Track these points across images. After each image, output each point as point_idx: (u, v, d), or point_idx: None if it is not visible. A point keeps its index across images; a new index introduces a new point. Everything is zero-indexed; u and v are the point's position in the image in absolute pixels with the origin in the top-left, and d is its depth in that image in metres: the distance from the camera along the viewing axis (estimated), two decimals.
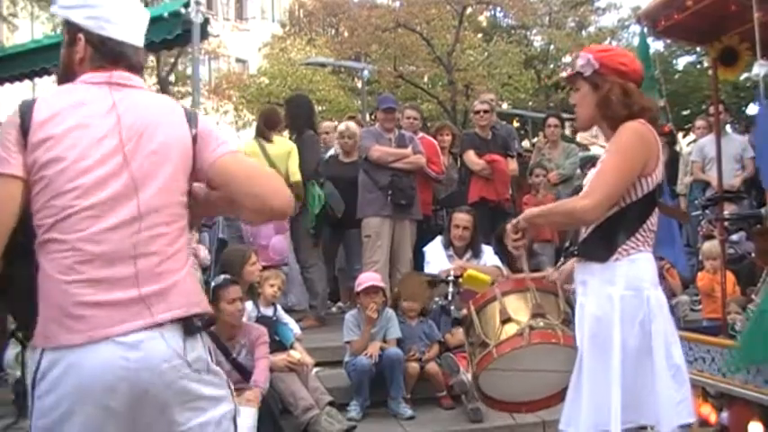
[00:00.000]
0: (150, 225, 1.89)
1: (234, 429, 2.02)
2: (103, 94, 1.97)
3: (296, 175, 6.19)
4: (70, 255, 1.84)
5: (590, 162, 6.31)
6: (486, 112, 7.10)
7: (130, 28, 2.08)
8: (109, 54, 2.02)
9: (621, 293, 2.59)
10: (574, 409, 2.64)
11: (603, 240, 2.65)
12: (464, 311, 2.89)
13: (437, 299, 3.22)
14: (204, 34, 8.39)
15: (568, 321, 2.74)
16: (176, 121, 2.00)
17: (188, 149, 1.99)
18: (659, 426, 2.58)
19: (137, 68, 2.08)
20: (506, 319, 2.70)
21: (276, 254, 6.12)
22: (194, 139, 1.99)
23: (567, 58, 23.59)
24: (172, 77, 18.74)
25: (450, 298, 3.06)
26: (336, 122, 7.63)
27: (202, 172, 2.01)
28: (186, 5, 7.43)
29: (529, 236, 2.83)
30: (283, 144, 6.42)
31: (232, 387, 2.06)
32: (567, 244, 2.96)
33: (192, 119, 2.02)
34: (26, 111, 1.91)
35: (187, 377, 1.88)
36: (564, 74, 3.40)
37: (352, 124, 7.16)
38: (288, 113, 6.93)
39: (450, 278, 3.13)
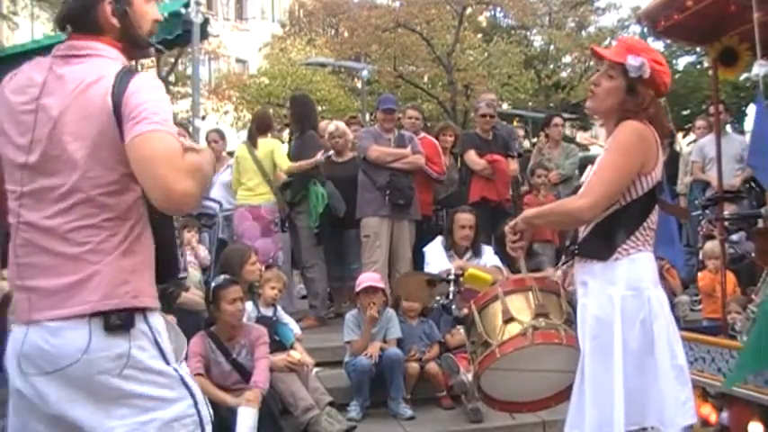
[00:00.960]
0: (60, 222, 1.84)
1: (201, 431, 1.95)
2: (43, 68, 1.90)
3: (283, 166, 6.41)
4: (15, 238, 1.90)
5: (591, 163, 6.31)
6: (491, 116, 7.13)
7: None
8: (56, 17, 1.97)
9: (622, 294, 2.59)
10: (578, 411, 2.63)
11: (603, 239, 2.65)
12: (465, 311, 2.88)
13: (438, 297, 3.21)
14: (204, 34, 8.39)
15: (570, 321, 2.74)
16: (95, 99, 1.82)
17: (113, 133, 1.81)
18: (664, 427, 2.57)
19: (88, 28, 1.91)
20: (509, 319, 2.69)
21: (261, 255, 6.13)
22: (118, 117, 1.80)
23: (568, 58, 23.62)
24: (172, 77, 18.72)
25: (451, 297, 3.05)
26: (327, 122, 7.62)
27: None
28: (186, 5, 7.43)
29: (527, 237, 2.82)
30: (267, 144, 6.54)
31: (193, 387, 1.97)
32: (567, 243, 2.94)
33: (119, 91, 1.81)
34: None
35: (108, 372, 1.83)
36: (607, 54, 3.34)
37: (341, 124, 7.21)
38: (292, 113, 6.96)
39: (452, 277, 3.12)
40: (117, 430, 1.85)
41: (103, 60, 1.89)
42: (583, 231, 2.76)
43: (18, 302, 1.91)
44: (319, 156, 6.36)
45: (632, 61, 2.59)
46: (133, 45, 1.99)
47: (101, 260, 1.84)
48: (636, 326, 2.57)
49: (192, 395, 1.95)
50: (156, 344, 1.92)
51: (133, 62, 2.07)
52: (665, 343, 2.59)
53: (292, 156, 6.56)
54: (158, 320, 1.98)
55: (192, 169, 1.80)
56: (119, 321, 1.84)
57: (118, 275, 1.86)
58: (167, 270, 2.03)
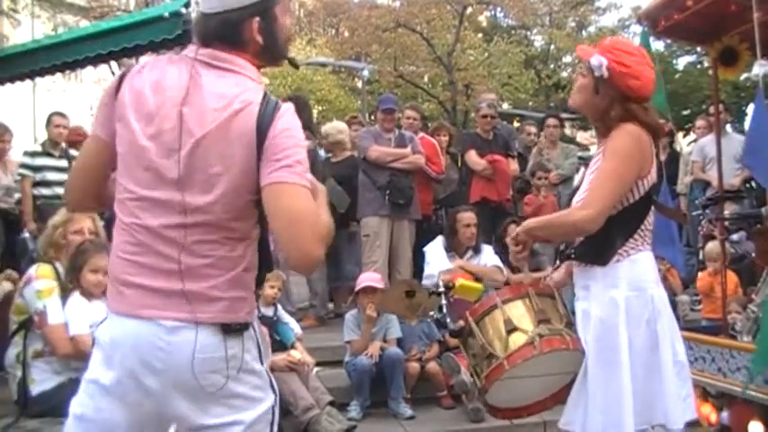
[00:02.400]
0: (199, 234, 1.86)
1: (269, 431, 2.00)
2: (184, 77, 1.88)
3: None
4: (124, 234, 1.91)
5: (584, 165, 6.31)
6: (492, 117, 7.14)
7: None
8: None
9: (626, 295, 2.59)
10: (577, 410, 2.63)
11: (602, 243, 2.64)
12: (461, 323, 2.86)
13: (432, 312, 3.19)
14: None
15: (570, 324, 2.74)
16: (240, 125, 1.80)
17: (251, 163, 1.81)
18: (669, 423, 2.58)
19: (232, 42, 1.90)
20: (512, 329, 2.67)
21: None
22: (260, 148, 1.79)
23: (568, 58, 23.60)
24: None
25: (444, 311, 3.03)
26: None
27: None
28: (186, 5, 7.43)
29: (529, 247, 2.81)
30: None
31: (276, 391, 2.03)
32: (562, 247, 2.93)
33: (264, 123, 1.80)
34: (124, 78, 1.97)
35: (220, 372, 1.88)
36: (581, 52, 3.35)
37: (329, 126, 7.29)
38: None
39: (441, 289, 3.09)
40: (209, 425, 1.90)
41: (246, 80, 1.88)
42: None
43: (121, 295, 1.91)
44: None
45: (593, 61, 2.61)
46: (270, 58, 2.00)
47: (221, 274, 1.88)
48: (642, 326, 2.58)
49: (275, 396, 2.02)
50: (258, 345, 2.00)
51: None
52: (668, 341, 2.60)
53: None
54: (257, 322, 2.04)
55: (326, 234, 1.87)
56: (238, 327, 1.91)
57: (238, 292, 1.91)
58: (260, 276, 2.05)
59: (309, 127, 6.88)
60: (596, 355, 2.59)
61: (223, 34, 1.90)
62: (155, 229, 1.87)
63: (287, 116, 1.84)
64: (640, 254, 2.64)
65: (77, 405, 1.95)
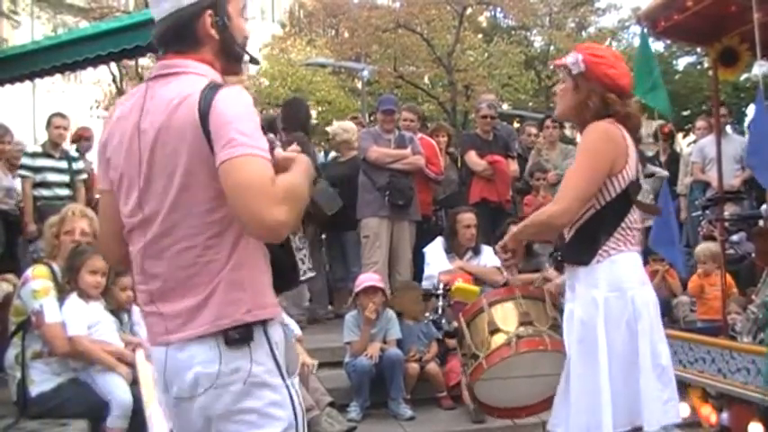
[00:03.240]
0: (165, 245, 1.83)
1: None
2: (141, 95, 1.88)
3: None
4: (135, 266, 1.93)
5: None
6: (492, 117, 7.13)
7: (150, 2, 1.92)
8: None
9: (605, 296, 2.60)
10: (561, 411, 2.65)
11: (584, 243, 2.66)
12: (455, 324, 2.90)
13: (428, 314, 3.24)
14: None
15: (557, 326, 2.76)
16: (185, 117, 1.76)
17: (203, 149, 1.75)
18: (645, 424, 2.57)
19: (186, 44, 1.87)
20: (494, 330, 2.73)
21: None
22: (207, 135, 1.73)
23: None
24: None
25: (440, 312, 3.07)
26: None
27: None
28: None
29: (519, 254, 2.85)
30: None
31: (298, 408, 1.91)
32: (552, 249, 2.97)
33: (203, 111, 1.74)
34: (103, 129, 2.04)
35: (226, 387, 1.82)
36: (556, 61, 3.46)
37: (335, 125, 7.30)
38: (283, 115, 6.92)
39: (440, 291, 3.13)
40: None
41: (192, 77, 1.83)
42: (566, 237, 2.77)
43: (152, 326, 1.92)
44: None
45: (569, 59, 2.71)
46: (229, 57, 1.95)
47: (212, 280, 1.81)
48: (621, 327, 2.58)
49: (296, 415, 1.90)
50: (274, 358, 1.88)
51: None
52: (647, 342, 2.59)
53: None
54: (277, 332, 1.93)
55: (285, 195, 1.72)
56: (237, 336, 1.82)
57: (230, 294, 1.81)
58: (284, 278, 1.97)
59: (305, 128, 6.85)
60: (578, 356, 2.61)
61: (177, 35, 1.88)
62: (137, 254, 1.89)
63: (224, 94, 1.76)
64: (621, 254, 2.64)
65: None
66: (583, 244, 2.65)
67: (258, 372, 1.83)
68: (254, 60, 2.05)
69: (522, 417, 2.97)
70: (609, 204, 2.64)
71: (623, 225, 2.66)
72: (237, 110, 1.76)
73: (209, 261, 1.81)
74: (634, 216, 2.70)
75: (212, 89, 1.77)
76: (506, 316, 2.76)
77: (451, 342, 5.18)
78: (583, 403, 2.56)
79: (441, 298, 3.05)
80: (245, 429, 1.84)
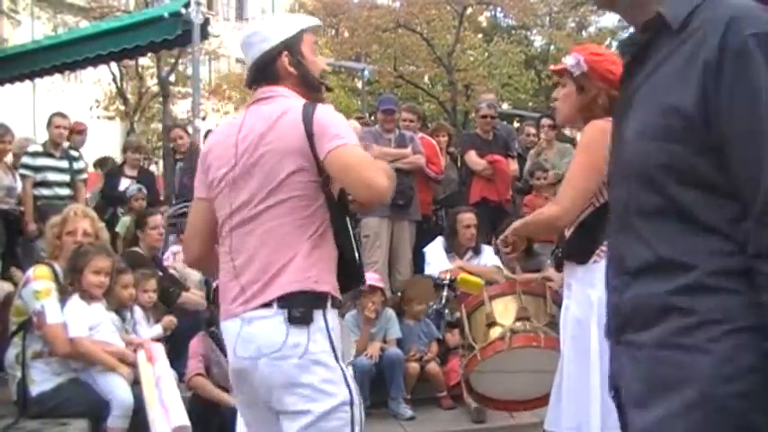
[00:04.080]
0: (257, 225, 2.18)
1: (350, 430, 2.14)
2: (241, 116, 2.37)
3: None
4: (221, 244, 2.29)
5: None
6: (492, 117, 7.13)
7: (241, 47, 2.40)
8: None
9: (600, 295, 2.54)
10: (556, 409, 2.66)
11: (582, 242, 2.66)
12: (458, 314, 2.93)
13: (432, 303, 3.28)
14: (204, 34, 8.41)
15: (554, 324, 2.77)
16: (289, 121, 2.18)
17: (304, 147, 2.16)
18: None
19: (271, 78, 2.33)
20: (491, 323, 2.76)
21: None
22: (310, 135, 2.16)
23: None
24: (172, 78, 18.71)
25: (443, 302, 3.09)
26: None
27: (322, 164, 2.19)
28: (186, 6, 7.44)
29: (519, 248, 2.84)
30: None
31: (353, 387, 2.16)
32: (554, 247, 2.96)
33: (308, 116, 2.18)
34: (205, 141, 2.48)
35: (285, 360, 2.08)
36: (552, 66, 3.47)
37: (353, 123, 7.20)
38: None
39: (446, 282, 3.17)
40: (286, 411, 2.12)
41: (286, 99, 2.28)
42: (566, 234, 2.78)
43: (229, 299, 2.21)
44: None
45: (569, 61, 2.72)
46: (308, 88, 2.36)
47: (292, 258, 2.13)
48: None
49: (351, 395, 2.15)
50: (330, 340, 2.14)
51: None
52: None
53: None
54: (334, 319, 2.19)
55: (384, 170, 2.22)
56: (299, 314, 2.10)
57: (304, 263, 2.13)
58: (350, 277, 2.29)
59: None
60: (571, 354, 2.62)
61: (263, 75, 2.34)
62: (235, 228, 2.22)
63: (324, 107, 2.24)
64: None
65: None
66: (582, 242, 2.65)
67: (315, 350, 2.09)
68: (329, 89, 2.51)
69: (520, 410, 2.98)
70: (607, 203, 2.62)
71: None
72: (334, 117, 2.23)
73: (291, 243, 2.14)
74: None
75: (311, 104, 2.23)
76: (505, 310, 2.79)
77: (452, 341, 5.20)
78: (573, 401, 2.57)
79: (446, 288, 3.07)
80: (300, 401, 2.09)
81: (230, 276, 2.22)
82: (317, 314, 2.12)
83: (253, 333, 2.11)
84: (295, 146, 2.16)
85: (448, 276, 3.19)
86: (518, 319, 2.73)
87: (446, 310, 3.04)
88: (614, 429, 2.54)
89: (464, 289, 3.20)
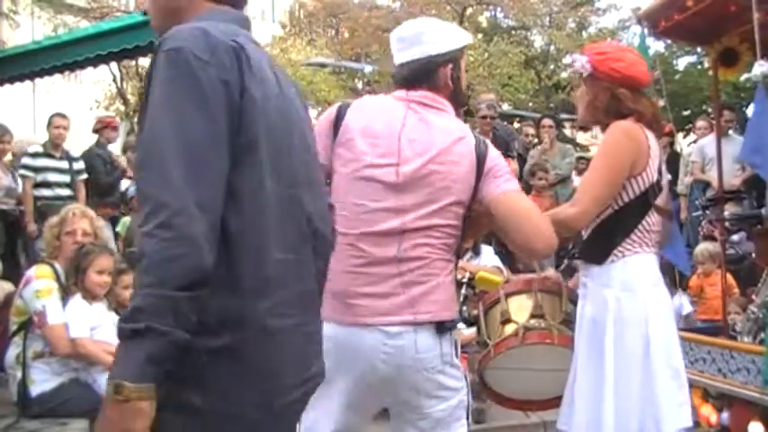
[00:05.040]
0: (420, 239, 2.15)
1: (465, 417, 2.31)
2: (400, 110, 2.24)
3: None
4: (348, 249, 2.14)
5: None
6: (492, 117, 7.14)
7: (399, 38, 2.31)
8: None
9: (617, 295, 2.58)
10: (569, 409, 2.65)
11: (600, 242, 2.65)
12: (474, 311, 2.95)
13: None
14: None
15: (569, 322, 2.75)
16: (465, 151, 2.19)
17: (470, 181, 2.19)
18: (659, 429, 2.53)
19: (432, 86, 2.26)
20: (506, 320, 2.76)
21: None
22: (479, 171, 2.19)
23: (568, 59, 23.60)
24: None
25: (462, 300, 3.09)
26: None
27: (482, 201, 2.23)
28: None
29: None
30: None
31: (468, 379, 2.34)
32: (570, 245, 2.96)
33: (481, 152, 2.21)
34: (343, 110, 2.26)
35: (434, 369, 2.17)
36: (568, 70, 3.48)
37: None
38: None
39: (465, 280, 3.17)
40: (422, 414, 2.22)
41: (454, 119, 2.28)
42: (583, 234, 2.77)
43: (345, 306, 2.14)
44: None
45: (575, 64, 2.74)
46: (456, 104, 2.35)
47: (438, 275, 2.17)
48: (632, 328, 2.55)
49: (467, 383, 2.34)
50: (453, 343, 2.27)
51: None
52: (661, 345, 2.56)
53: None
54: None
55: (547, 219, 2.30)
56: (448, 327, 2.20)
57: (448, 292, 2.22)
58: None
59: None
60: (585, 354, 2.60)
61: (426, 79, 2.26)
62: (380, 235, 2.14)
63: (491, 146, 2.29)
64: (636, 255, 2.61)
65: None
66: (599, 243, 2.64)
67: (449, 353, 2.22)
68: (469, 113, 2.53)
69: (534, 410, 2.98)
70: (627, 205, 2.62)
71: (641, 227, 2.63)
72: (502, 158, 2.30)
73: (436, 260, 2.17)
74: (653, 218, 2.67)
75: (482, 139, 2.28)
76: (520, 307, 2.79)
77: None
78: (585, 402, 2.56)
79: (465, 286, 3.08)
80: (440, 402, 2.21)
81: (345, 283, 2.14)
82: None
83: (400, 346, 2.12)
84: (464, 178, 2.18)
85: (467, 275, 3.18)
86: (533, 316, 2.73)
87: (464, 308, 3.05)
88: (627, 430, 2.56)
89: (483, 287, 3.20)
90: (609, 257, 2.61)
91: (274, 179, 1.48)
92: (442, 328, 2.17)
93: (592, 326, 2.61)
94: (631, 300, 2.57)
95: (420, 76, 2.27)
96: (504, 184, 2.20)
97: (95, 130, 7.77)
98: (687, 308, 5.75)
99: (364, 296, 2.13)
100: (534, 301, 2.77)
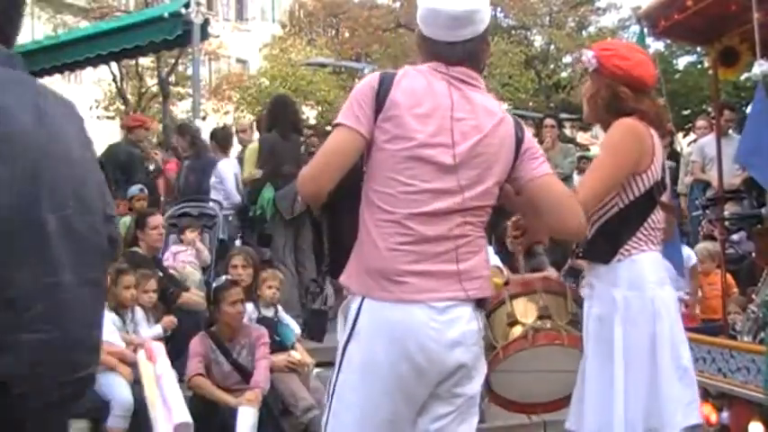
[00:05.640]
0: (465, 217, 2.15)
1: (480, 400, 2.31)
2: (444, 87, 2.17)
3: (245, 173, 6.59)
4: (394, 227, 2.11)
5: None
6: None
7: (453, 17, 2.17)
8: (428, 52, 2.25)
9: (624, 294, 2.57)
10: (578, 409, 2.64)
11: (606, 241, 2.64)
12: None
13: None
14: (204, 35, 8.42)
15: (576, 322, 2.74)
16: (506, 132, 2.19)
17: (509, 162, 2.20)
18: (665, 427, 2.54)
19: (468, 63, 2.22)
20: (512, 322, 2.73)
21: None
22: (518, 152, 2.20)
23: (568, 58, 23.62)
24: (172, 78, 18.72)
25: None
26: None
27: (517, 181, 2.24)
28: (186, 6, 7.46)
29: (528, 235, 2.82)
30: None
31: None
32: (574, 246, 2.95)
33: (520, 132, 2.23)
34: (387, 82, 2.16)
35: (475, 345, 2.18)
36: (574, 66, 3.49)
37: None
38: (271, 114, 6.84)
39: None
40: (460, 397, 2.18)
41: (490, 97, 2.28)
42: (588, 234, 2.74)
43: (394, 284, 2.11)
44: (255, 172, 6.33)
45: (583, 58, 2.75)
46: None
47: (478, 252, 2.20)
48: (640, 326, 2.55)
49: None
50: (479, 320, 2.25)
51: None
52: (668, 344, 2.56)
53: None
54: None
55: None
56: (485, 302, 2.25)
57: (488, 268, 2.27)
58: None
59: (297, 126, 6.79)
60: (593, 353, 2.60)
61: (475, 58, 2.23)
62: (430, 215, 2.11)
63: (527, 128, 2.31)
64: (643, 254, 2.61)
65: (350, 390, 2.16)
66: (605, 242, 2.63)
67: (483, 331, 2.24)
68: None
69: (539, 413, 2.96)
70: (632, 203, 2.61)
71: (646, 225, 2.63)
72: (535, 140, 2.36)
73: (477, 237, 2.20)
74: (658, 216, 2.67)
75: (517, 120, 2.28)
76: (526, 309, 2.77)
77: None
78: (595, 402, 2.55)
79: None
80: (471, 381, 2.19)
81: (412, 260, 2.10)
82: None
83: (449, 322, 2.11)
84: (504, 159, 2.19)
85: None
86: (540, 317, 2.72)
87: None
88: (638, 430, 2.55)
89: None
90: (616, 256, 2.60)
91: None
92: (482, 303, 2.21)
93: (599, 325, 2.60)
94: (639, 298, 2.56)
95: (474, 54, 2.23)
96: (540, 167, 2.23)
97: (128, 127, 7.63)
98: (693, 259, 5.69)
99: (412, 274, 2.10)
100: (540, 302, 2.76)
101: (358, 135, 2.12)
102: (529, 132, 2.29)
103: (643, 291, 2.58)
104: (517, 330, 2.72)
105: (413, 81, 2.16)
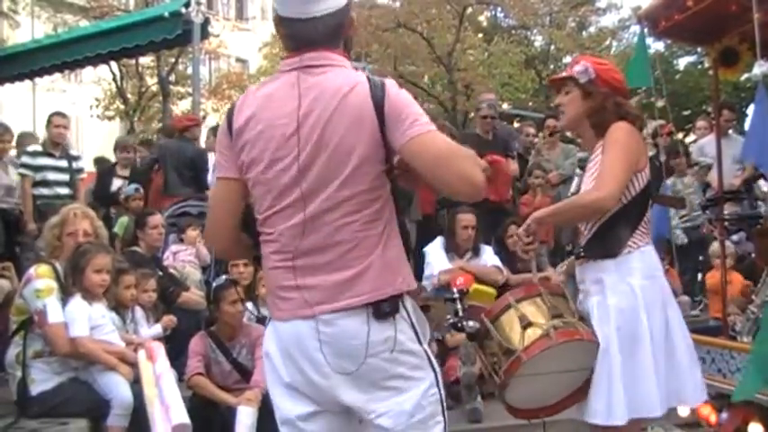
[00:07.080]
0: (342, 219, 1.96)
1: (442, 409, 2.07)
2: (291, 84, 2.00)
3: None
4: (274, 245, 2.04)
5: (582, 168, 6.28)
6: (492, 117, 7.15)
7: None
8: (285, 36, 2.06)
9: (641, 283, 2.73)
10: (599, 401, 2.67)
11: (610, 238, 2.78)
12: (475, 325, 2.88)
13: (447, 317, 3.22)
14: (204, 34, 8.42)
15: (582, 319, 2.80)
16: (357, 101, 1.93)
17: (374, 133, 1.94)
18: (688, 402, 2.84)
19: (320, 43, 2.01)
20: (527, 324, 2.73)
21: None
22: (381, 119, 1.93)
23: (568, 59, 23.60)
24: (172, 77, 18.70)
25: (460, 314, 3.06)
26: None
27: (396, 151, 1.97)
28: (187, 5, 7.46)
29: (539, 239, 2.90)
30: None
31: (436, 368, 2.09)
32: (569, 247, 3.01)
33: (377, 96, 1.94)
34: (231, 113, 2.08)
35: (377, 355, 1.97)
36: (555, 76, 3.50)
37: None
38: None
39: (456, 295, 3.14)
40: (379, 412, 2.00)
41: (345, 70, 2.02)
42: (586, 234, 2.85)
43: (282, 301, 2.04)
44: None
45: (577, 68, 2.86)
46: (347, 53, 2.12)
47: (369, 254, 1.97)
48: (656, 312, 2.72)
49: (436, 374, 2.08)
50: (413, 325, 2.06)
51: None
52: (678, 325, 2.78)
53: None
54: (410, 302, 2.09)
55: (476, 160, 1.96)
56: (388, 309, 1.98)
57: (386, 267, 1.99)
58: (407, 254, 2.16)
59: None
60: (620, 344, 2.67)
61: (336, 32, 2.03)
62: (299, 226, 1.98)
63: (392, 84, 1.99)
64: (648, 246, 2.80)
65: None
66: (608, 238, 2.78)
67: (402, 339, 2.00)
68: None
69: (541, 417, 2.94)
70: (633, 200, 2.77)
71: (645, 219, 2.82)
72: (407, 96, 2.00)
73: (366, 236, 1.98)
74: (649, 213, 2.88)
75: (378, 80, 1.98)
76: (535, 311, 2.78)
77: (452, 342, 5.18)
78: (629, 389, 2.63)
79: (458, 301, 3.05)
80: (393, 395, 2.00)
81: (287, 277, 2.02)
82: (400, 303, 2.03)
83: (334, 334, 1.97)
84: (364, 132, 1.93)
85: (455, 290, 3.16)
86: (553, 316, 2.73)
87: (469, 322, 2.99)
88: (664, 410, 2.66)
89: (476, 301, 3.21)
90: (625, 249, 2.75)
91: None
92: (380, 311, 1.97)
93: (620, 315, 2.70)
94: (654, 286, 2.75)
95: (330, 31, 2.02)
96: (409, 129, 1.91)
97: (183, 127, 7.49)
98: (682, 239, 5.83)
99: (295, 289, 2.00)
100: (547, 302, 2.78)
101: (228, 181, 2.10)
102: (399, 93, 1.97)
103: (655, 279, 2.77)
104: (534, 332, 2.71)
105: (255, 99, 2.05)
